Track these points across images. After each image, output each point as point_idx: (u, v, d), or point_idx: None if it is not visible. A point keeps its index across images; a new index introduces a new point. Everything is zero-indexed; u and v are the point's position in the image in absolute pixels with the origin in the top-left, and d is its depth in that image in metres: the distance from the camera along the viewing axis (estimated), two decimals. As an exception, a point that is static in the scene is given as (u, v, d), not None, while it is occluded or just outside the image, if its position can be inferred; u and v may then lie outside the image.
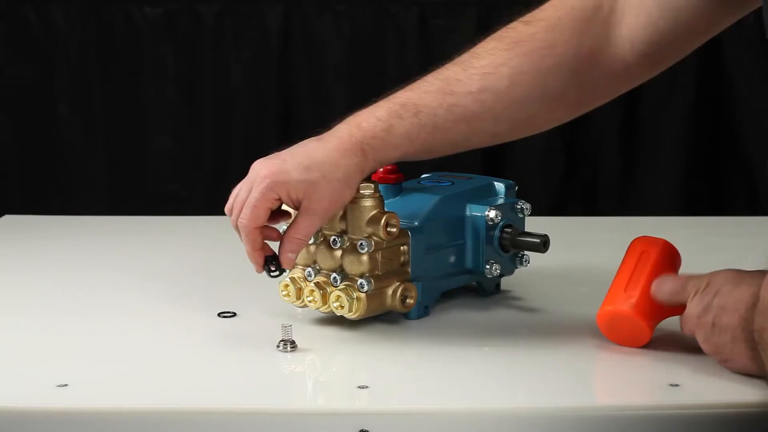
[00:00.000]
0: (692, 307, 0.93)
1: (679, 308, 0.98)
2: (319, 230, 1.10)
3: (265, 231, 1.05)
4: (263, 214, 1.02)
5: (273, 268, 1.05)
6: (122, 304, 1.19)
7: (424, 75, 1.05)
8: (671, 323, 1.00)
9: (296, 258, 1.06)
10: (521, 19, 1.04)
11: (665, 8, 0.98)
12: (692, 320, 0.93)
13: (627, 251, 1.04)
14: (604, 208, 2.42)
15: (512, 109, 1.02)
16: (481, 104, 1.01)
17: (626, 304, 0.99)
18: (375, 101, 1.07)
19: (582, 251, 1.42)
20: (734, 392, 0.90)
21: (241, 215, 1.03)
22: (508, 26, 1.04)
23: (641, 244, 1.04)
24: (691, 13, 0.97)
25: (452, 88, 1.02)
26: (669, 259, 1.02)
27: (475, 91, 1.01)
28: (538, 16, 1.03)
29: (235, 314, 1.14)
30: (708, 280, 0.92)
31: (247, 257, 1.05)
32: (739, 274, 0.91)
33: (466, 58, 1.04)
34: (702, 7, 0.96)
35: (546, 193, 2.36)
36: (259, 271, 1.05)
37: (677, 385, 0.92)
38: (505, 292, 1.21)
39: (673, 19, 0.98)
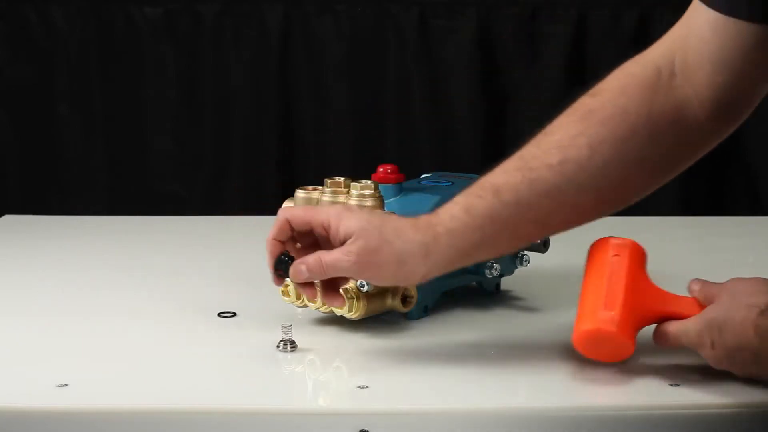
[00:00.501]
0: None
1: (659, 317, 0.96)
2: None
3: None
4: (287, 228, 0.99)
5: (281, 271, 1.00)
6: (122, 304, 1.19)
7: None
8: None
9: (304, 276, 0.98)
10: (587, 93, 1.02)
11: (719, 63, 0.96)
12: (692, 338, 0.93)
13: (591, 255, 1.00)
14: (604, 208, 2.42)
15: (595, 178, 0.98)
16: (563, 176, 0.97)
17: (611, 323, 0.94)
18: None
19: (582, 251, 1.41)
20: (734, 392, 0.90)
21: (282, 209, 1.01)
22: (575, 102, 1.02)
23: (606, 248, 0.99)
24: (744, 62, 0.96)
25: (531, 165, 0.98)
26: (640, 260, 0.98)
27: (556, 163, 0.98)
28: (603, 87, 1.02)
29: (235, 314, 1.14)
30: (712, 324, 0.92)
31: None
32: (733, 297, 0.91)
33: (538, 137, 1.01)
34: (753, 56, 0.95)
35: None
36: (269, 263, 1.00)
37: (677, 385, 0.92)
38: (505, 292, 1.21)
39: (729, 72, 0.96)
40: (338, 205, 1.03)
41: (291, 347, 1.02)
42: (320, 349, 1.03)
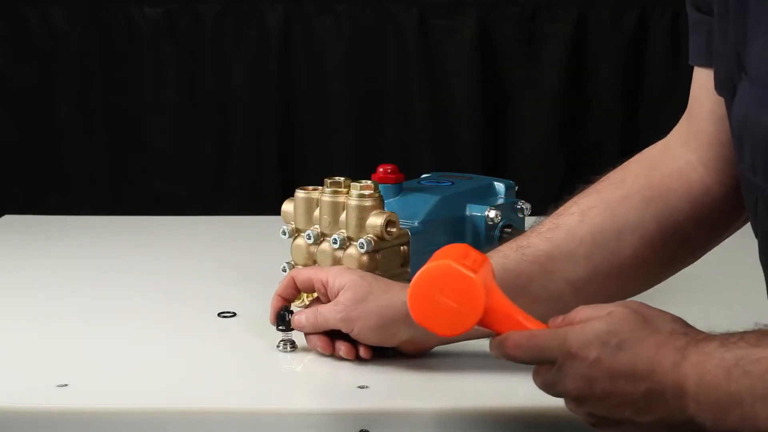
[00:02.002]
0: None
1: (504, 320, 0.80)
2: (319, 230, 1.10)
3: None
4: (291, 285, 1.01)
5: (282, 327, 1.00)
6: (122, 304, 1.19)
7: None
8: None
9: (302, 326, 0.99)
10: None
11: (723, 119, 0.92)
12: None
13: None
14: (604, 208, 2.42)
15: (585, 245, 0.95)
16: (551, 242, 0.95)
17: (469, 268, 0.78)
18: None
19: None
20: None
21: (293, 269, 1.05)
22: None
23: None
24: None
25: (524, 236, 0.98)
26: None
27: (545, 230, 0.97)
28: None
29: (235, 314, 1.14)
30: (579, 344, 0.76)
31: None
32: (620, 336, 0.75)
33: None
34: None
35: (546, 193, 2.37)
36: (270, 318, 1.02)
37: (677, 385, 0.92)
38: (505, 292, 1.21)
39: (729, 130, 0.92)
40: (340, 266, 1.05)
41: (291, 347, 1.01)
42: (320, 349, 1.03)
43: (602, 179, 1.01)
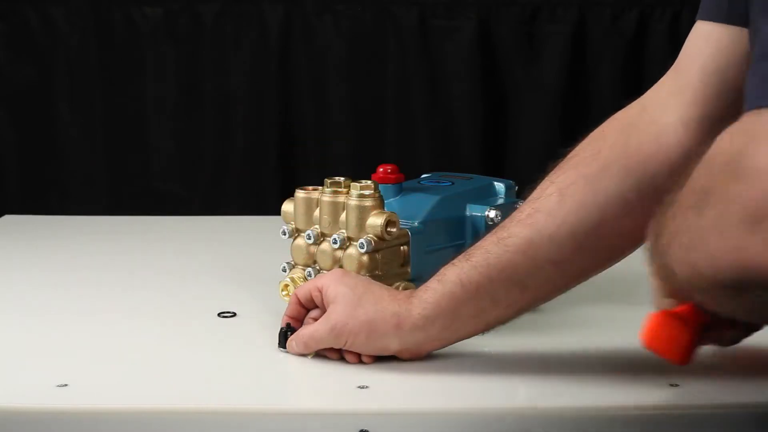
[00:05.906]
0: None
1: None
2: (319, 230, 1.10)
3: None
4: (295, 302, 1.02)
5: (283, 346, 1.01)
6: (122, 304, 1.19)
7: None
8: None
9: (298, 351, 1.00)
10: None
11: (708, 75, 0.92)
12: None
13: None
14: (604, 208, 2.42)
15: (568, 224, 0.93)
16: (532, 228, 0.93)
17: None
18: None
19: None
20: (734, 392, 0.90)
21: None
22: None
23: None
24: (738, 69, 0.89)
25: (502, 227, 0.95)
26: None
27: (524, 217, 0.94)
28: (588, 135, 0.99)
29: (235, 314, 1.14)
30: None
31: None
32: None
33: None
34: (739, 60, 0.89)
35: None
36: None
37: (677, 385, 0.92)
38: (505, 292, 1.21)
39: (720, 82, 0.91)
40: (338, 270, 1.04)
41: (291, 347, 1.01)
42: (320, 349, 1.03)
43: (576, 152, 0.98)
